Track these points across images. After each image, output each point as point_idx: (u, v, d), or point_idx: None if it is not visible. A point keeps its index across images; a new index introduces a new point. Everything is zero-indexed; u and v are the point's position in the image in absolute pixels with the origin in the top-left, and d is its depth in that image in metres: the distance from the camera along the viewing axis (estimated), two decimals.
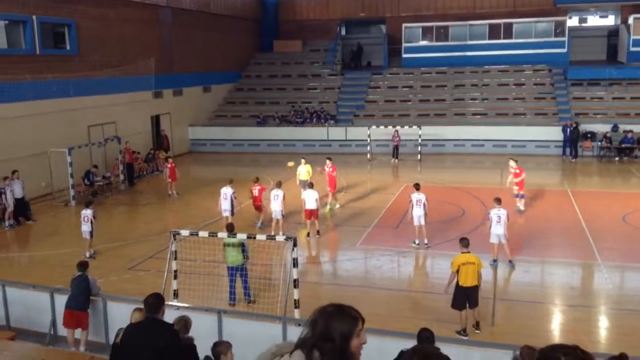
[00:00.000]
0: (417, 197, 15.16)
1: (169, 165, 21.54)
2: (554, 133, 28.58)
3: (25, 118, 20.75)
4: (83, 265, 10.30)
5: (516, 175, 18.11)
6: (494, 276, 11.05)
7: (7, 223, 18.12)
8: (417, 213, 15.04)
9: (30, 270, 14.41)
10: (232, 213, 16.58)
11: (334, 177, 19.18)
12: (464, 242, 10.56)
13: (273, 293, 11.88)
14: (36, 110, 21.23)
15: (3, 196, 18.09)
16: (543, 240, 15.45)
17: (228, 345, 6.77)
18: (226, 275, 12.00)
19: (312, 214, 16.05)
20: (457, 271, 10.18)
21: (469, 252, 10.38)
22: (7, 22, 21.08)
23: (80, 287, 9.93)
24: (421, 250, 15.07)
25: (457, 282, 10.22)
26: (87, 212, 14.74)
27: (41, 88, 21.38)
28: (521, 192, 18.17)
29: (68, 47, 23.57)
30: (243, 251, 11.68)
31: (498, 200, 13.72)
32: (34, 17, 21.39)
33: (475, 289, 10.21)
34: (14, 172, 18.43)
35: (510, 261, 13.53)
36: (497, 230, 13.36)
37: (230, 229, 11.91)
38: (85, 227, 14.73)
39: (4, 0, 20.26)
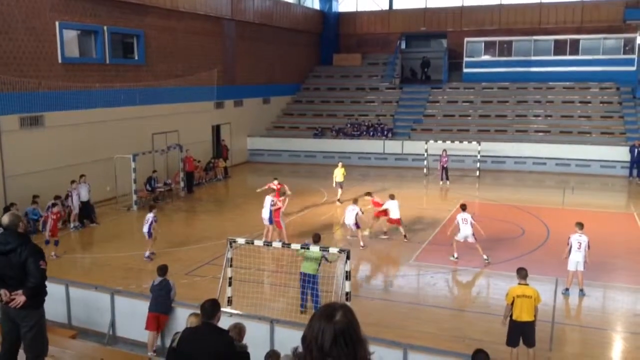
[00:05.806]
0: (463, 216, 15.09)
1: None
2: (621, 153, 27.55)
3: (93, 124, 21.64)
4: (163, 270, 10.42)
5: None
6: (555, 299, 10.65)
7: (72, 225, 18.87)
8: (465, 232, 14.96)
9: (92, 271, 14.91)
10: (271, 222, 16.60)
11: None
12: (522, 273, 9.57)
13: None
14: (104, 118, 22.11)
15: (69, 199, 18.89)
16: (606, 265, 14.83)
17: (272, 355, 6.85)
18: (279, 285, 12.06)
19: (395, 221, 17.21)
20: (512, 304, 9.37)
21: (526, 284, 9.50)
22: (79, 32, 22.03)
23: (163, 291, 10.16)
24: (477, 269, 14.77)
25: (511, 316, 9.44)
26: (149, 216, 15.66)
27: (109, 96, 22.28)
28: None
29: (136, 57, 24.47)
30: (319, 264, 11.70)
31: (580, 225, 12.93)
32: (104, 27, 22.32)
33: (530, 325, 9.30)
34: (81, 176, 19.19)
35: (581, 290, 12.84)
36: (577, 257, 12.66)
37: (317, 240, 12.00)
38: (145, 229, 15.62)
39: (77, 11, 21.21)
